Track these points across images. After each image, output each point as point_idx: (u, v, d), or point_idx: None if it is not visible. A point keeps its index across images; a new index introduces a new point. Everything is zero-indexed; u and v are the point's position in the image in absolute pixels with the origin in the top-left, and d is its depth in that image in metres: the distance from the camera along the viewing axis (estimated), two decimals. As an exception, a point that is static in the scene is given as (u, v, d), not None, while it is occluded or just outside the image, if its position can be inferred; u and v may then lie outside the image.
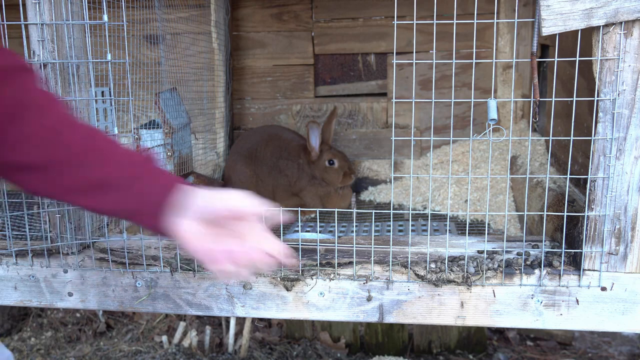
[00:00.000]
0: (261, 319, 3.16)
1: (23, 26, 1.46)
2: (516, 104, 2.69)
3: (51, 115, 0.93)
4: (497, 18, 2.63)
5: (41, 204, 1.58)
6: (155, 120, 2.12)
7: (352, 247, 1.47)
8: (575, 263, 1.40)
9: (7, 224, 1.58)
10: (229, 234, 0.97)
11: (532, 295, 1.41)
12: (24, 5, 1.46)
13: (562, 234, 1.43)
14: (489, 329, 3.11)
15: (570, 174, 1.38)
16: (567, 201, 1.48)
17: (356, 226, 2.25)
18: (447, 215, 2.32)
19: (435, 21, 1.28)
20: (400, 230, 2.23)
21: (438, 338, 3.01)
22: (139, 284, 1.55)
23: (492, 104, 1.32)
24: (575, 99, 1.32)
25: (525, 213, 1.46)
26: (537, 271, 1.40)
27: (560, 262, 1.39)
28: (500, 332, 3.16)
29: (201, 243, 0.95)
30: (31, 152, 0.90)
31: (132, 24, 2.03)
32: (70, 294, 1.59)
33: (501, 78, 2.79)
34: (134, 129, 2.05)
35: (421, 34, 2.55)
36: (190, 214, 0.94)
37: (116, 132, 1.49)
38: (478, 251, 1.45)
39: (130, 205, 0.94)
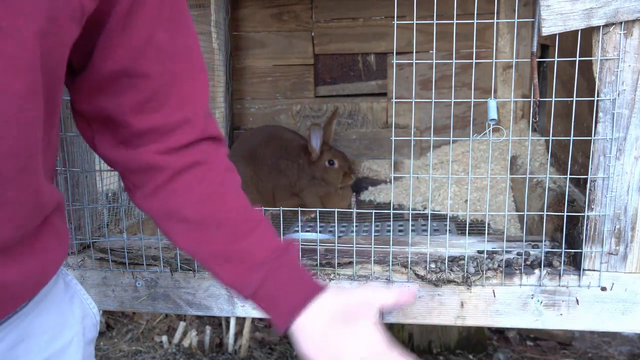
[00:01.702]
0: (261, 319, 3.16)
1: (23, 26, 1.46)
2: (516, 104, 2.69)
3: (220, 176, 0.94)
4: (497, 18, 2.63)
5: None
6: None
7: (352, 247, 1.47)
8: (575, 263, 1.40)
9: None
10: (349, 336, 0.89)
11: (532, 295, 1.41)
12: (24, 5, 1.45)
13: (562, 234, 1.43)
14: (489, 329, 3.11)
15: (570, 174, 1.38)
16: (567, 201, 1.48)
17: (356, 226, 2.25)
18: (447, 215, 2.32)
19: (435, 21, 1.28)
20: (400, 230, 2.23)
21: (438, 338, 3.01)
22: (139, 284, 1.55)
23: (492, 104, 1.32)
24: (575, 99, 1.32)
25: (525, 213, 1.46)
26: (537, 271, 1.40)
27: (560, 262, 1.39)
28: (500, 332, 3.16)
29: (316, 347, 0.89)
30: (193, 205, 0.91)
31: (132, 24, 2.03)
32: (70, 294, 1.59)
33: (501, 78, 2.79)
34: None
35: (421, 34, 2.54)
36: (316, 315, 0.90)
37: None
38: (478, 251, 1.45)
39: (269, 291, 0.91)
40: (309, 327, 0.90)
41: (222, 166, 0.96)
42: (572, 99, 1.33)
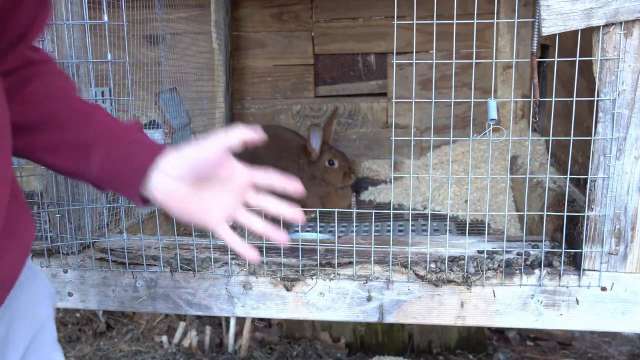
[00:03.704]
0: (261, 319, 3.16)
1: (23, 26, 1.46)
2: (516, 104, 2.69)
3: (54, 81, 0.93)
4: (497, 18, 2.63)
5: (41, 204, 1.58)
6: (155, 120, 2.12)
7: (352, 247, 1.47)
8: (575, 263, 1.40)
9: (7, 224, 1.57)
10: (218, 190, 0.88)
11: (532, 295, 1.41)
12: (24, 5, 1.45)
13: (562, 234, 1.43)
14: (489, 329, 3.11)
15: (570, 174, 1.38)
16: (567, 201, 1.48)
17: (356, 226, 2.25)
18: (447, 215, 2.32)
19: (435, 21, 1.28)
20: (400, 230, 2.23)
21: (438, 338, 3.00)
22: (139, 284, 1.55)
23: (492, 104, 1.32)
24: (575, 99, 1.32)
25: (525, 213, 1.46)
26: (537, 271, 1.40)
27: (560, 262, 1.39)
28: (500, 332, 3.16)
29: (178, 202, 0.86)
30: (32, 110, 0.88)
31: (132, 24, 2.03)
32: (70, 294, 1.59)
33: (501, 78, 2.79)
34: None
35: (421, 34, 2.54)
36: (167, 172, 0.85)
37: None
38: (478, 251, 1.45)
39: (113, 166, 0.88)
40: (163, 185, 0.85)
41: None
42: (572, 99, 1.33)
